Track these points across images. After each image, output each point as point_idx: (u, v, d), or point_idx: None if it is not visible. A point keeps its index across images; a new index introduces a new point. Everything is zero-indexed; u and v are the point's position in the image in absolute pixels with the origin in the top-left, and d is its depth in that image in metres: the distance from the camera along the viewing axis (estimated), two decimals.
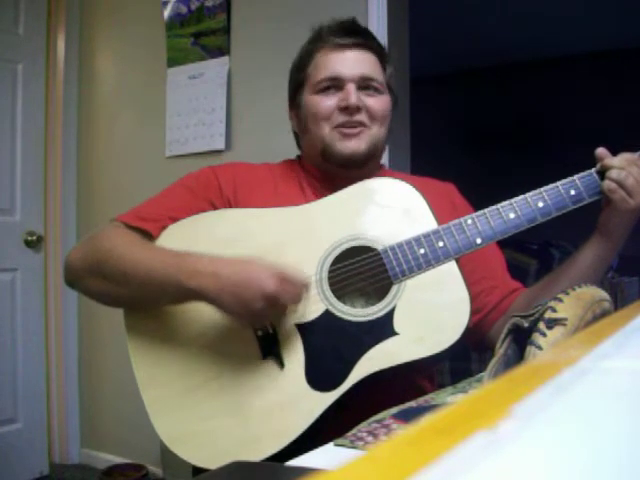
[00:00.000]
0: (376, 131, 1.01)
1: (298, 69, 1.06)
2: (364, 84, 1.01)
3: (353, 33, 1.03)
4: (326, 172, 1.05)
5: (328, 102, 1.00)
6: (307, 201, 1.00)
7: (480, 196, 1.13)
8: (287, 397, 0.85)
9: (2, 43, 2.40)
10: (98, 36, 2.66)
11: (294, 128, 1.10)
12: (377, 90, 1.02)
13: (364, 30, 1.06)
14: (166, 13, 2.38)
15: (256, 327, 0.88)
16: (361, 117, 0.99)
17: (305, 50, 1.06)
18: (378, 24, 1.89)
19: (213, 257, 0.86)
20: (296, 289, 0.82)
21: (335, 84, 1.00)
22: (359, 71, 1.00)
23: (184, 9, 2.33)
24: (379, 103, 1.02)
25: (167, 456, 2.01)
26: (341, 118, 0.99)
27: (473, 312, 0.88)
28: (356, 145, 0.99)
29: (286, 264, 0.84)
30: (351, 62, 1.01)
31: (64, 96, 2.62)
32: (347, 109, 0.99)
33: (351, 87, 0.99)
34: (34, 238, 2.49)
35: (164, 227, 0.95)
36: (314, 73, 1.02)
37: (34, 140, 2.54)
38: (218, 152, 2.22)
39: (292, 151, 1.15)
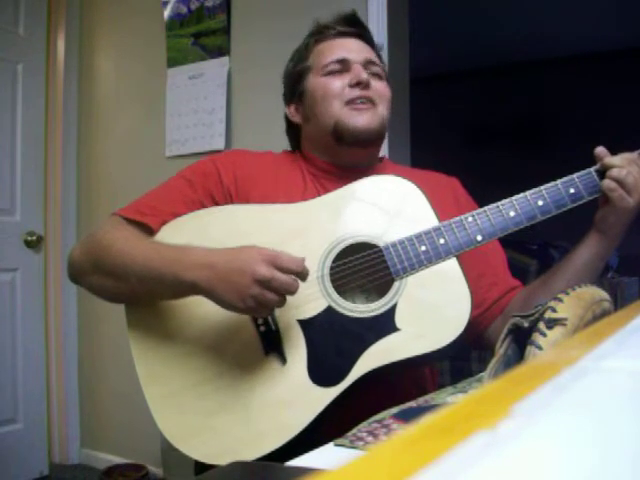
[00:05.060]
0: (382, 111, 1.03)
1: (297, 62, 1.08)
2: (368, 67, 1.03)
3: (354, 24, 1.07)
4: (332, 160, 1.05)
5: (338, 82, 1.01)
6: (305, 192, 1.01)
7: (479, 195, 1.13)
8: (290, 393, 0.85)
9: (2, 43, 2.40)
10: (98, 36, 2.66)
11: (297, 121, 1.09)
12: (379, 76, 1.05)
13: (363, 24, 1.10)
14: (166, 13, 2.38)
15: (257, 316, 0.86)
16: (370, 93, 1.02)
17: (304, 44, 1.08)
18: (378, 24, 1.89)
19: (209, 249, 0.85)
20: (290, 272, 0.80)
21: (342, 67, 1.02)
22: (363, 56, 1.04)
23: (184, 9, 2.33)
24: (383, 86, 1.05)
25: (167, 456, 2.01)
26: (353, 93, 1.00)
27: (473, 307, 0.88)
28: (369, 120, 1.01)
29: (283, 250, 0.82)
30: (355, 48, 1.05)
31: (64, 96, 2.62)
32: (359, 84, 1.00)
33: (358, 66, 1.02)
34: (34, 238, 2.49)
35: (164, 222, 0.96)
36: (318, 59, 1.04)
37: (34, 140, 2.54)
38: (218, 152, 2.22)
39: None
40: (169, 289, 0.87)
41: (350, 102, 1.00)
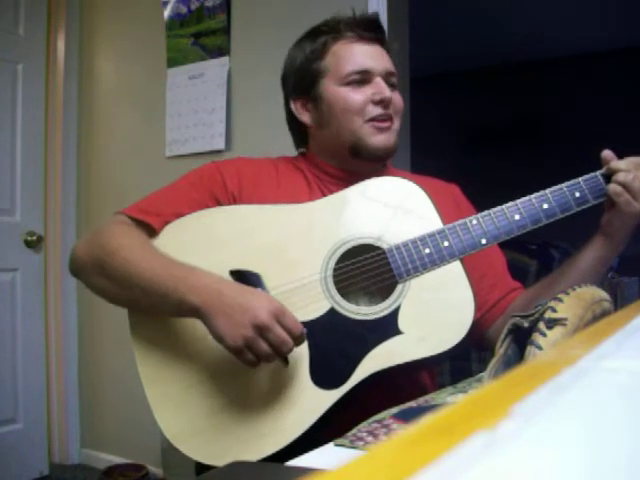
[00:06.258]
0: (397, 126, 1.03)
1: (311, 59, 1.03)
2: (387, 79, 1.02)
3: (375, 28, 1.04)
4: (342, 166, 1.04)
5: (359, 96, 0.99)
6: (312, 195, 1.00)
7: (480, 196, 1.13)
8: (291, 394, 0.85)
9: (2, 43, 2.40)
10: (98, 36, 2.66)
11: (304, 120, 1.05)
12: (395, 86, 1.04)
13: (383, 29, 1.06)
14: (166, 13, 2.38)
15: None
16: (391, 111, 1.01)
17: (320, 41, 1.03)
18: None
19: (221, 277, 0.84)
20: (289, 331, 0.79)
21: (363, 78, 1.00)
22: (384, 66, 1.02)
23: (184, 9, 2.33)
24: (399, 98, 1.04)
25: (167, 456, 2.01)
26: (375, 111, 0.99)
27: (476, 310, 0.88)
28: (387, 139, 1.00)
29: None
30: (377, 56, 1.02)
31: (64, 96, 2.62)
32: (382, 102, 0.99)
33: (380, 81, 1.00)
34: (34, 238, 2.49)
35: (167, 222, 0.95)
36: (337, 65, 1.01)
37: (34, 140, 2.54)
38: (218, 152, 2.22)
39: (292, 151, 1.15)
40: (171, 307, 0.85)
41: (371, 120, 0.99)
